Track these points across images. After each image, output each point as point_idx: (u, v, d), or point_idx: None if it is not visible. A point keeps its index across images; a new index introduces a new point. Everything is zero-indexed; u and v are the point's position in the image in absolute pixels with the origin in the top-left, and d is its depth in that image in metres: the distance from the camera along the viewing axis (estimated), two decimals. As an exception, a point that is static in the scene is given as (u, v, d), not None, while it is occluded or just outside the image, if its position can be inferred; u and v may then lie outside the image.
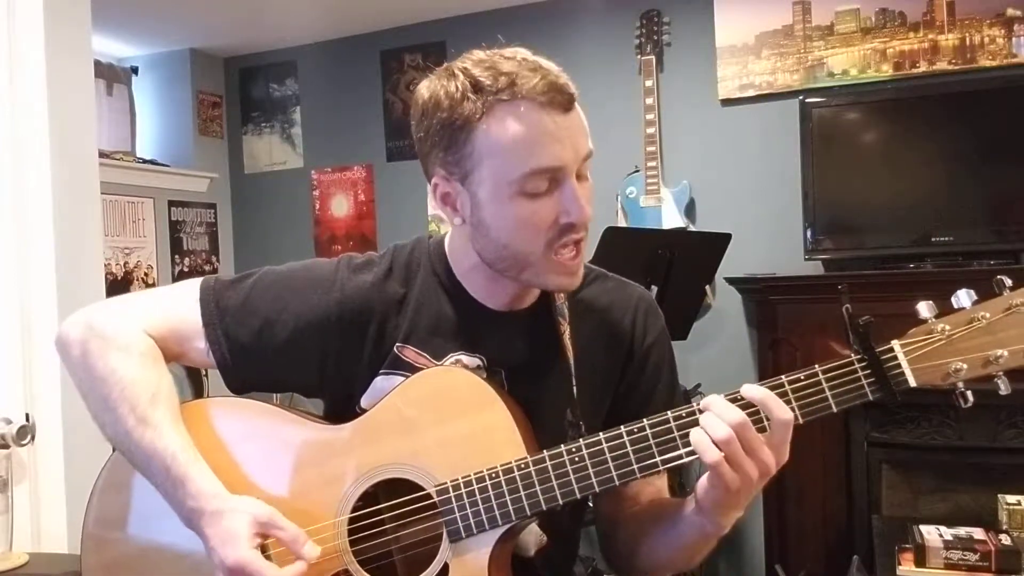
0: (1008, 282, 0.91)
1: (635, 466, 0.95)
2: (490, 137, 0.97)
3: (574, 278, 1.05)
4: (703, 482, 0.94)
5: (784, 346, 3.00)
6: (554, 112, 0.96)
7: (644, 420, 0.96)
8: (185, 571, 1.07)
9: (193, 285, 1.14)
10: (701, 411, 0.93)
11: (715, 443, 0.89)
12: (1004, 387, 0.92)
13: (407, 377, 1.07)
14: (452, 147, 0.99)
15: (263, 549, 1.00)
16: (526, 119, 0.96)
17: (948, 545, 2.14)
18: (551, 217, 0.99)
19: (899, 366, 0.92)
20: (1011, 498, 2.36)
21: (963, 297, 0.92)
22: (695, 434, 0.92)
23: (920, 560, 2.15)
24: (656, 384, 1.15)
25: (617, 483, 0.96)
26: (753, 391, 0.92)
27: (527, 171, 0.96)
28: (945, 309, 0.93)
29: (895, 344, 0.92)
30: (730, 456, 0.89)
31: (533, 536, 1.10)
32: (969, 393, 0.92)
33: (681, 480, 2.87)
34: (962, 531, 2.23)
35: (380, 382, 1.10)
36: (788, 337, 2.99)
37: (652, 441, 0.95)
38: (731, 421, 0.89)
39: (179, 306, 1.13)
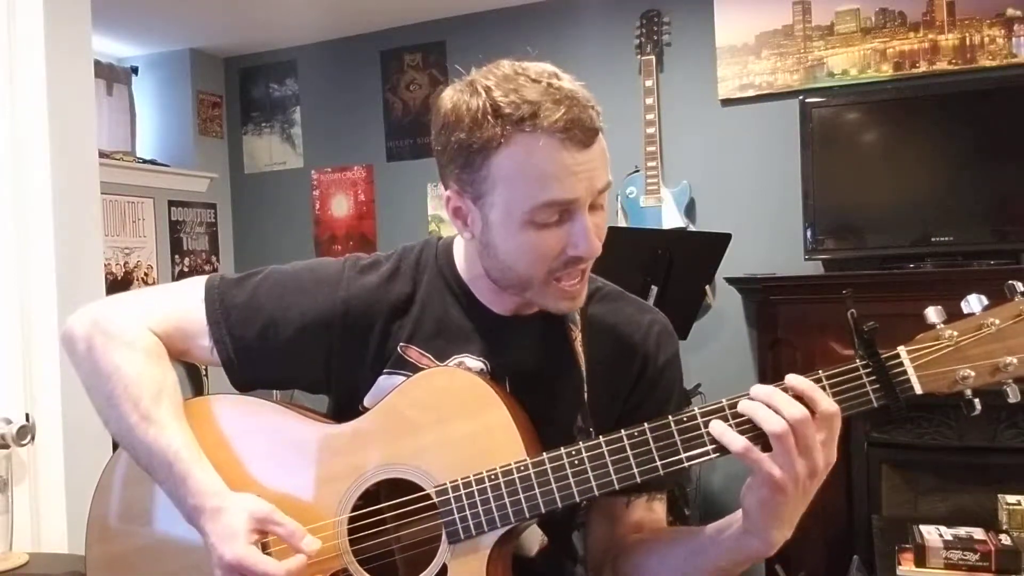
0: (1020, 287, 0.89)
1: (635, 470, 0.94)
2: (506, 166, 0.95)
3: (575, 302, 1.05)
4: (747, 492, 0.92)
5: (784, 346, 3.00)
6: (573, 149, 0.94)
7: (645, 424, 0.95)
8: (189, 566, 1.07)
9: (198, 282, 1.14)
10: (751, 398, 0.90)
11: (772, 435, 0.87)
12: (1013, 395, 0.90)
13: (409, 377, 1.07)
14: (468, 167, 0.98)
15: (264, 546, 1.00)
16: (543, 153, 0.94)
17: (948, 545, 2.14)
18: (558, 248, 0.98)
19: (905, 372, 0.89)
20: (1011, 498, 2.36)
21: (973, 302, 0.89)
22: (716, 426, 0.91)
23: (920, 560, 2.15)
24: (663, 408, 1.10)
25: (617, 487, 0.95)
26: (796, 381, 0.90)
27: (538, 203, 0.95)
28: (950, 315, 0.90)
29: (901, 350, 0.90)
30: (784, 451, 0.87)
31: (535, 537, 1.10)
32: (977, 401, 0.90)
33: (682, 486, 2.87)
34: (962, 531, 2.23)
35: (383, 381, 1.10)
36: (788, 337, 2.99)
37: (653, 445, 0.94)
38: (791, 416, 0.87)
39: (184, 303, 1.13)
